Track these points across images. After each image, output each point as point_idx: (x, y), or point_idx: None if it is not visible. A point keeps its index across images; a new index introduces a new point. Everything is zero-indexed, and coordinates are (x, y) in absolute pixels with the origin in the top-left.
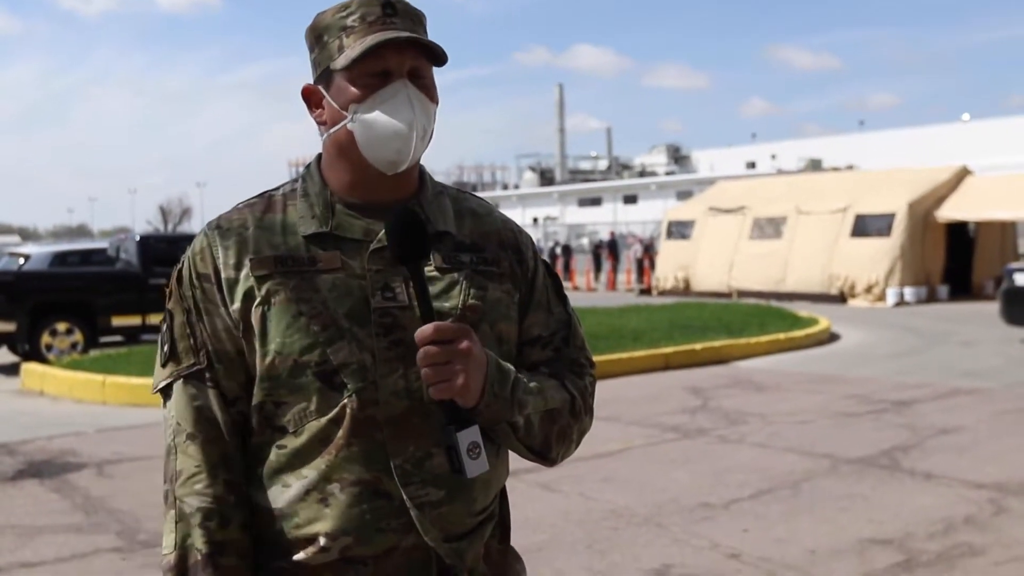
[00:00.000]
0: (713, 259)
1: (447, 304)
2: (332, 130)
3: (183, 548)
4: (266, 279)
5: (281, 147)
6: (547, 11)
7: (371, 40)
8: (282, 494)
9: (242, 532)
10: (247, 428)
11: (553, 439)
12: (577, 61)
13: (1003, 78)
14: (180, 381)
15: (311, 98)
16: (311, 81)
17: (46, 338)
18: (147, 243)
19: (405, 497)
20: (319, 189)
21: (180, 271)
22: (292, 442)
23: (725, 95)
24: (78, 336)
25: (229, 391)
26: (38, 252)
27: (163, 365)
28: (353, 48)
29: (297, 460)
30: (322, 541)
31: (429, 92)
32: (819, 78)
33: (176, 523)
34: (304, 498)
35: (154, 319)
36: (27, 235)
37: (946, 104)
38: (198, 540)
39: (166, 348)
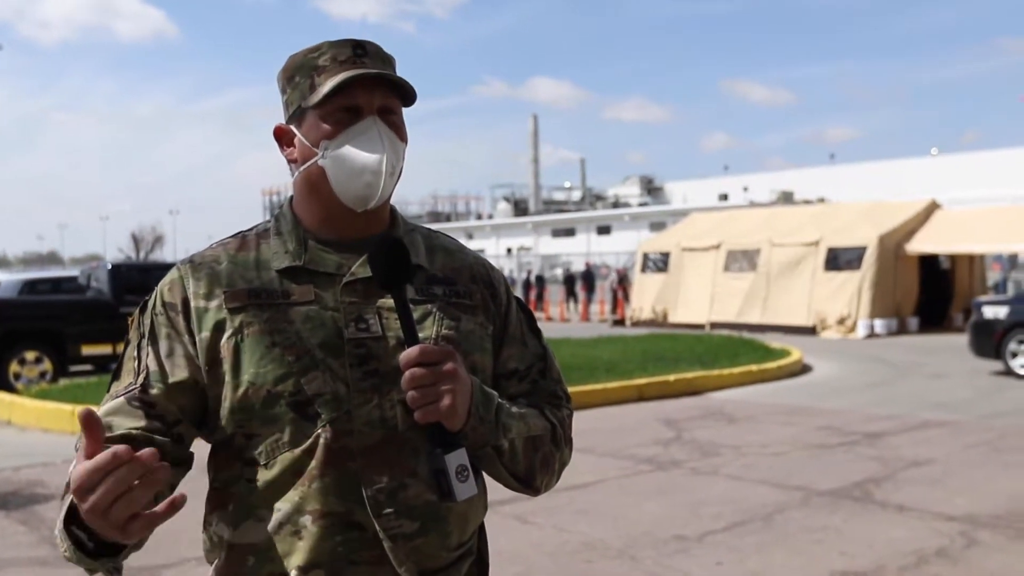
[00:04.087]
0: (690, 291)
1: (420, 335)
2: (303, 167)
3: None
4: (239, 311)
5: (254, 176)
6: (500, 44)
7: (342, 76)
8: (254, 529)
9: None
10: (181, 454)
11: (537, 466)
12: (535, 94)
13: (959, 114)
14: (112, 401)
15: (282, 137)
16: (283, 120)
17: (14, 367)
18: (119, 271)
19: (378, 528)
20: (292, 227)
21: (146, 302)
22: (264, 475)
23: (687, 128)
24: (47, 365)
25: (170, 413)
26: (7, 280)
27: (108, 388)
28: (324, 85)
29: (270, 493)
30: (293, 575)
31: (399, 130)
32: (776, 112)
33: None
34: (278, 532)
35: None
36: None
37: (904, 139)
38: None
39: (113, 372)
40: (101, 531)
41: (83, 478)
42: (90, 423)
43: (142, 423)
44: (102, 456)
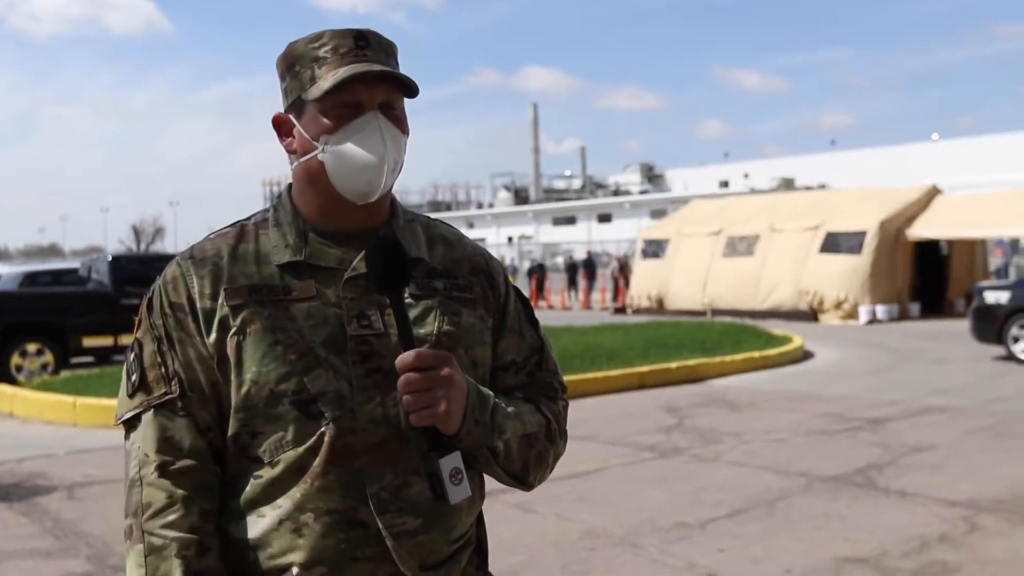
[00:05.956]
0: (687, 277)
1: (422, 331)
2: (302, 159)
3: None
4: (241, 308)
5: (254, 166)
6: (491, 34)
7: (343, 73)
8: (256, 524)
9: (219, 562)
10: (222, 458)
11: (531, 463)
12: (528, 83)
13: (954, 100)
14: (150, 412)
15: (281, 127)
16: (281, 107)
17: (16, 359)
18: (119, 263)
19: (381, 526)
20: (291, 218)
21: (150, 299)
22: (268, 472)
23: (681, 115)
24: (49, 357)
25: (201, 421)
26: (9, 272)
27: (131, 395)
28: (325, 79)
29: (273, 490)
30: (295, 571)
31: (400, 124)
32: (770, 99)
33: (146, 557)
34: (277, 528)
35: (126, 340)
36: None
37: (900, 125)
38: (176, 571)
39: (135, 378)
40: None
41: None
42: None
43: (194, 432)
44: None
